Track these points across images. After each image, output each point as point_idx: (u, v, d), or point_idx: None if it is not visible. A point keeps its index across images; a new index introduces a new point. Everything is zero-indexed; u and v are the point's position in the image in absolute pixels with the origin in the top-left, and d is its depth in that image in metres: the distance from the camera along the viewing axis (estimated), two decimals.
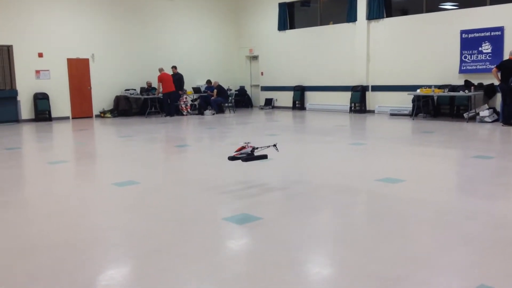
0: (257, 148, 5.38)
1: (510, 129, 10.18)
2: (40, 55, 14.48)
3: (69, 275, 3.03)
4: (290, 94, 17.36)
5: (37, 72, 14.50)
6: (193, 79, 17.54)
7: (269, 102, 18.32)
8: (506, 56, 11.32)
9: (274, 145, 5.71)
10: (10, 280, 2.98)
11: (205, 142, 9.71)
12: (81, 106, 15.44)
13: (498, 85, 11.04)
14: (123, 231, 3.98)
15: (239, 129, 11.71)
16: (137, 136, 10.44)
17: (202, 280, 2.94)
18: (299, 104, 17.12)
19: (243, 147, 5.31)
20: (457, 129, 10.56)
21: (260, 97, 18.86)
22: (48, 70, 14.66)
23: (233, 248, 3.58)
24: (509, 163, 6.64)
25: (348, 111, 15.34)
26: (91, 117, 15.63)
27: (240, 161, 5.41)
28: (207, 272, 3.06)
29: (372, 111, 14.89)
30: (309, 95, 16.93)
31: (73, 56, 15.12)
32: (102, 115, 15.68)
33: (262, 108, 18.20)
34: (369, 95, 15.00)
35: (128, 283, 2.96)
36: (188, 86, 16.78)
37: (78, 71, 15.27)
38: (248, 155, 5.28)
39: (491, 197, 4.81)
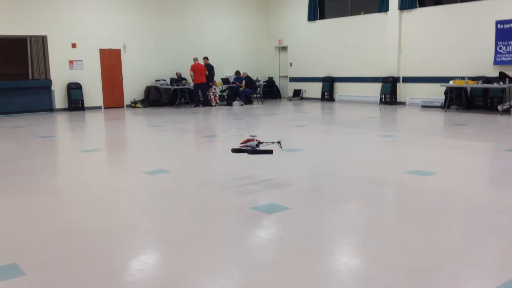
0: (262, 142, 5.32)
1: None
2: (74, 45, 14.78)
3: (103, 260, 3.12)
4: (319, 85, 17.24)
5: (71, 62, 14.81)
6: (223, 70, 17.60)
7: (297, 93, 18.25)
8: None
9: (279, 142, 5.64)
10: (47, 264, 3.10)
11: (233, 133, 9.77)
12: (113, 96, 15.72)
13: None
14: (153, 218, 4.07)
15: (267, 120, 11.73)
16: (167, 126, 10.58)
17: (230, 266, 2.99)
18: (328, 95, 16.99)
19: (249, 140, 5.26)
20: (491, 122, 10.32)
21: (288, 88, 18.80)
22: (81, 61, 14.96)
23: (261, 236, 3.62)
24: None
25: (378, 102, 15.15)
26: (122, 107, 15.89)
27: (248, 154, 5.30)
28: (235, 259, 3.10)
29: (403, 103, 14.66)
30: (338, 86, 16.79)
31: (106, 46, 15.38)
32: (133, 105, 15.93)
33: (290, 99, 18.15)
34: (400, 86, 14.76)
35: (159, 268, 3.03)
36: (217, 77, 16.87)
37: (110, 62, 15.54)
38: (253, 149, 5.23)
39: None
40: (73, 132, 10.24)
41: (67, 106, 14.81)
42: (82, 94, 14.90)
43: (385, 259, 3.05)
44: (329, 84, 16.91)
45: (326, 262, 3.06)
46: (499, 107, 11.63)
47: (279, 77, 19.41)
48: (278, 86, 19.30)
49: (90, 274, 2.89)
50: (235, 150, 5.22)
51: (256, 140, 5.24)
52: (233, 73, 17.47)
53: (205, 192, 4.87)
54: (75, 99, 14.83)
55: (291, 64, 18.54)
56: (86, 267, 3.00)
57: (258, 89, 17.01)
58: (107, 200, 4.66)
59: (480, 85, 12.01)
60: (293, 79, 18.52)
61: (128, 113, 14.29)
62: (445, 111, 12.46)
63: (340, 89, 16.70)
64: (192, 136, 9.53)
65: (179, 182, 5.38)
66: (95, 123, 11.97)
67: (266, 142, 5.40)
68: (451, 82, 12.39)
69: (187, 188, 5.08)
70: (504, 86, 11.40)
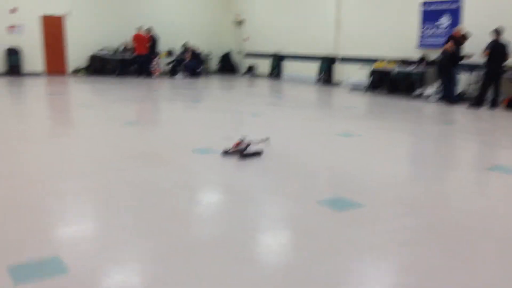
0: (250, 144, 5.25)
1: (444, 109, 9.58)
2: (14, 10, 14.77)
3: None
4: (270, 61, 16.97)
5: (11, 27, 14.83)
6: (175, 41, 17.31)
7: (250, 69, 18.01)
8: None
9: (267, 139, 5.62)
10: None
11: (112, 104, 9.59)
12: (56, 63, 15.75)
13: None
14: None
15: (182, 94, 11.65)
16: (70, 94, 10.58)
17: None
18: (276, 72, 16.73)
19: (239, 143, 5.21)
20: (388, 105, 10.03)
21: (246, 64, 18.54)
22: (21, 26, 14.96)
23: None
24: (365, 142, 6.28)
25: (316, 82, 14.86)
26: (64, 74, 15.92)
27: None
28: None
29: (340, 83, 14.34)
30: (285, 63, 16.50)
31: (49, 12, 15.34)
32: (76, 73, 15.94)
33: (243, 75, 17.93)
34: (337, 66, 14.43)
35: None
36: (165, 48, 16.70)
37: (53, 28, 15.51)
38: (243, 153, 5.10)
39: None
40: None
41: (4, 71, 14.89)
42: (18, 59, 14.92)
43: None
44: (277, 61, 16.65)
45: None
46: (417, 92, 11.27)
47: (236, 52, 19.11)
48: (235, 61, 19.03)
49: None
50: (225, 153, 5.15)
51: (245, 143, 5.19)
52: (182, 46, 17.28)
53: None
54: (14, 65, 14.89)
55: (247, 39, 18.23)
56: None
57: (203, 62, 16.83)
58: None
59: (397, 68, 11.66)
60: (248, 55, 18.27)
61: (64, 80, 14.31)
62: (364, 93, 12.16)
63: (287, 66, 16.42)
64: (70, 105, 9.45)
65: None
66: (9, 89, 12.01)
67: (255, 142, 5.35)
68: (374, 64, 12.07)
69: None
70: (416, 70, 11.05)
